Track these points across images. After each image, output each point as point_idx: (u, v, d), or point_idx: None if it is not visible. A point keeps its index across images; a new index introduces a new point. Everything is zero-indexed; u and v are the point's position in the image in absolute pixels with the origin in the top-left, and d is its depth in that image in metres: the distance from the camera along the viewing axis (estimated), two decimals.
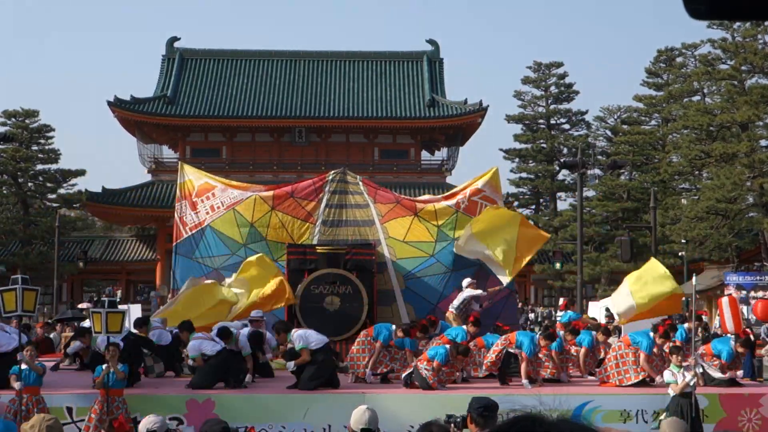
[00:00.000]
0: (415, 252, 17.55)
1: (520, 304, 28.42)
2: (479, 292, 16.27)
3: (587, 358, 14.75)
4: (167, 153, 54.18)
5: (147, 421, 8.04)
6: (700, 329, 15.30)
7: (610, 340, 15.54)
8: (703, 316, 22.89)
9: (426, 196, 19.86)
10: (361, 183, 18.33)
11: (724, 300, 14.63)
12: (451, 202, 17.88)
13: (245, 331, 14.29)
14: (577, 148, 38.78)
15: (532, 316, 41.18)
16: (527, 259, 17.12)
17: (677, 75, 50.34)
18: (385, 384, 13.59)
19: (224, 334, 13.65)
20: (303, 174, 43.13)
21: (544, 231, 17.22)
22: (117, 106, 49.15)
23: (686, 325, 14.83)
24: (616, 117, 55.97)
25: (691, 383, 11.67)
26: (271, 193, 17.91)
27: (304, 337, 12.95)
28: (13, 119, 48.45)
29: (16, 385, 11.51)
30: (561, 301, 26.06)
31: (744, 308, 25.64)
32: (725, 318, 14.61)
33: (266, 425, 11.97)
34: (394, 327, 13.93)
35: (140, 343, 14.07)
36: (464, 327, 13.88)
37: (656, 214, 33.94)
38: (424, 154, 54.64)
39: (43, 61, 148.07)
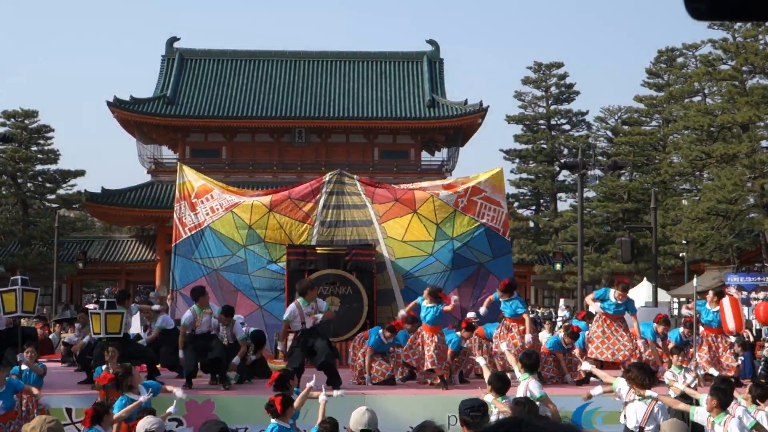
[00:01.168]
0: (413, 251, 17.52)
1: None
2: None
3: (581, 358, 14.76)
4: (167, 153, 54.21)
5: (145, 422, 8.05)
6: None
7: None
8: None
9: (426, 183, 19.63)
10: (358, 183, 18.27)
11: (725, 300, 14.57)
12: (451, 195, 17.76)
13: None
14: (577, 148, 38.75)
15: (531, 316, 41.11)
16: None
17: (678, 75, 50.32)
18: (385, 385, 13.56)
19: (227, 312, 13.87)
20: (303, 175, 43.13)
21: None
22: (116, 106, 49.15)
23: (681, 329, 14.80)
24: (616, 117, 55.97)
25: (692, 384, 11.64)
26: (268, 198, 17.89)
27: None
28: (13, 119, 48.47)
29: None
30: (579, 310, 25.69)
31: (745, 309, 25.60)
32: (727, 318, 14.55)
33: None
34: (380, 330, 13.89)
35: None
36: (458, 333, 13.89)
37: (657, 214, 33.91)
38: (424, 155, 54.66)
39: (43, 61, 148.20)
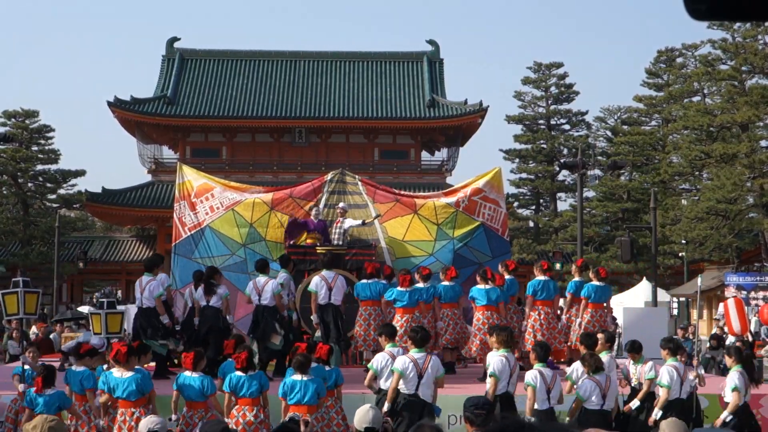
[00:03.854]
0: (414, 251, 17.53)
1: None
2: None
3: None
4: (167, 153, 54.25)
5: (148, 421, 8.06)
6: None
7: None
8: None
9: (426, 193, 19.76)
10: (360, 183, 18.29)
11: (730, 302, 14.61)
12: (452, 199, 17.84)
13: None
14: (577, 148, 38.76)
15: None
16: None
17: (677, 75, 50.29)
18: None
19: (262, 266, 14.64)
20: (303, 175, 43.12)
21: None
22: (117, 106, 49.16)
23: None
24: (616, 117, 55.95)
25: (693, 384, 11.64)
26: (270, 195, 17.88)
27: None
28: (13, 119, 48.46)
29: (20, 386, 11.50)
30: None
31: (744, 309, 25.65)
32: (731, 320, 14.58)
33: None
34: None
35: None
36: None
37: (656, 214, 33.90)
38: (424, 155, 54.64)
39: (43, 61, 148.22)
